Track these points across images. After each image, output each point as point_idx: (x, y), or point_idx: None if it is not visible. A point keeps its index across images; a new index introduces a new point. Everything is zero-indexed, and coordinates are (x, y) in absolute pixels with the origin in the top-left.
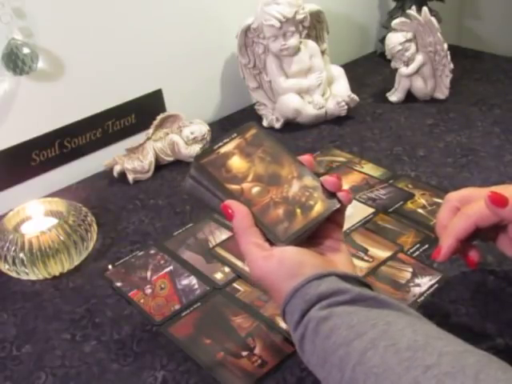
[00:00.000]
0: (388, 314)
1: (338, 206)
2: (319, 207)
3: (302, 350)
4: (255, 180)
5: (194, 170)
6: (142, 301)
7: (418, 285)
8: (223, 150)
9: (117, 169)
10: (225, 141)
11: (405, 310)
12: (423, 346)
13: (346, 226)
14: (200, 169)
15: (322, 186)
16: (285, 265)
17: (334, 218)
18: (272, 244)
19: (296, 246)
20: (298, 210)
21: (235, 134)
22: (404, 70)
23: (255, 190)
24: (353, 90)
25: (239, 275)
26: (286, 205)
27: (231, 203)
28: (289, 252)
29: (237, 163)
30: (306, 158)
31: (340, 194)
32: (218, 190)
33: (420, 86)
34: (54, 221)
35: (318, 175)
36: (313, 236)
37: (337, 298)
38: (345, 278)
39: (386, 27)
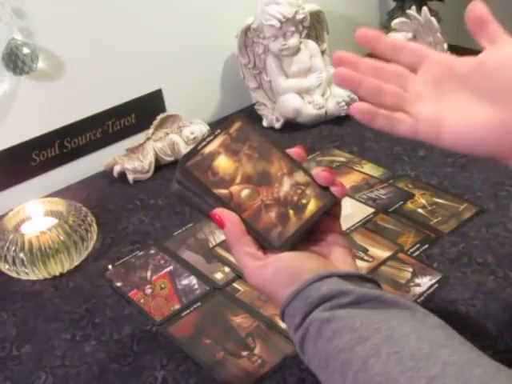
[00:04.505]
0: (393, 318)
1: (332, 201)
2: (312, 206)
3: (302, 351)
4: (244, 181)
5: (180, 174)
6: (142, 301)
7: (418, 285)
8: (208, 149)
9: (117, 169)
10: (208, 139)
11: (411, 307)
12: (427, 355)
13: (346, 226)
14: (185, 173)
15: (314, 180)
16: (281, 274)
17: (330, 211)
18: (267, 250)
19: (291, 251)
20: (291, 212)
21: (219, 131)
22: None
23: (245, 193)
24: None
25: (239, 275)
26: (278, 206)
27: (221, 212)
28: (284, 260)
29: (223, 164)
30: (295, 150)
31: (334, 189)
32: (206, 196)
33: None
34: (54, 221)
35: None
36: (309, 231)
37: (339, 300)
38: (347, 277)
39: (386, 27)
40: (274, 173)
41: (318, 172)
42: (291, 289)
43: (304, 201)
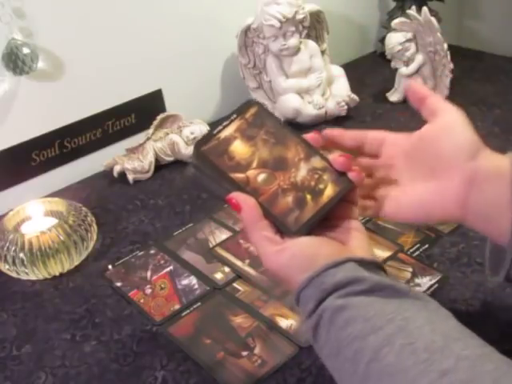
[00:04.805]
0: (406, 309)
1: (350, 187)
2: (330, 191)
3: (315, 338)
4: (260, 166)
5: (196, 158)
6: (142, 301)
7: (418, 285)
8: (224, 134)
9: (117, 169)
10: (224, 124)
11: (424, 298)
12: (441, 348)
13: None
14: (201, 157)
15: (331, 165)
16: (297, 259)
17: (347, 197)
18: (283, 235)
19: (308, 236)
20: (308, 196)
21: (235, 115)
22: (404, 70)
23: (261, 177)
24: (353, 90)
25: (239, 275)
26: (295, 191)
27: (237, 196)
28: (301, 245)
29: (239, 148)
30: (311, 136)
31: (351, 174)
32: (222, 180)
33: None
34: (54, 221)
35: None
36: (325, 218)
37: (354, 287)
38: (362, 263)
39: (386, 27)
40: (290, 158)
41: (336, 157)
42: (307, 274)
43: (321, 186)
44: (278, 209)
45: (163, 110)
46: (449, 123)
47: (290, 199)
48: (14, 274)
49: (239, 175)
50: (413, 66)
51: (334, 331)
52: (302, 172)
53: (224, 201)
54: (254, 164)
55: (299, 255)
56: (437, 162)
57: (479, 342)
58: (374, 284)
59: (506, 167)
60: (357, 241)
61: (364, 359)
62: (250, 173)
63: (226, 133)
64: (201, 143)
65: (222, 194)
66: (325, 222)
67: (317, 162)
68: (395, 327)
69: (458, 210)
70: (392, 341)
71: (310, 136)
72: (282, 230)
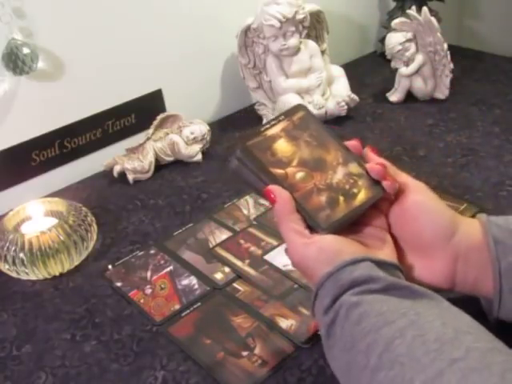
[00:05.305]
0: (419, 306)
1: (382, 195)
2: (362, 196)
3: (329, 334)
4: (300, 165)
5: (240, 151)
6: (141, 301)
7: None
8: (270, 132)
9: (117, 169)
10: (272, 123)
11: (437, 298)
12: (451, 340)
13: None
14: (246, 151)
15: (367, 173)
16: (324, 252)
17: (378, 206)
18: (312, 231)
19: (336, 235)
20: (341, 198)
21: (282, 117)
22: (404, 70)
23: (299, 175)
24: (353, 90)
25: (239, 275)
26: (329, 192)
27: (274, 188)
28: (328, 240)
29: (282, 147)
30: (352, 143)
31: (385, 183)
32: (263, 174)
33: (420, 86)
34: (54, 221)
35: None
36: (355, 223)
37: (369, 285)
38: (380, 264)
39: (386, 27)
40: (329, 161)
41: (372, 165)
42: (327, 269)
43: (355, 190)
44: (310, 205)
45: (163, 110)
46: (423, 203)
47: (323, 198)
48: (14, 274)
49: (279, 170)
50: (413, 66)
51: (349, 327)
52: (338, 175)
53: (261, 194)
54: (294, 162)
55: (326, 249)
56: (418, 242)
57: (490, 336)
58: (389, 284)
59: (479, 236)
60: (382, 247)
61: (376, 351)
62: (290, 170)
63: (272, 131)
64: (246, 138)
65: (260, 187)
66: (353, 227)
67: (354, 167)
68: (407, 321)
69: (447, 282)
70: (404, 333)
71: (350, 143)
72: (312, 225)
